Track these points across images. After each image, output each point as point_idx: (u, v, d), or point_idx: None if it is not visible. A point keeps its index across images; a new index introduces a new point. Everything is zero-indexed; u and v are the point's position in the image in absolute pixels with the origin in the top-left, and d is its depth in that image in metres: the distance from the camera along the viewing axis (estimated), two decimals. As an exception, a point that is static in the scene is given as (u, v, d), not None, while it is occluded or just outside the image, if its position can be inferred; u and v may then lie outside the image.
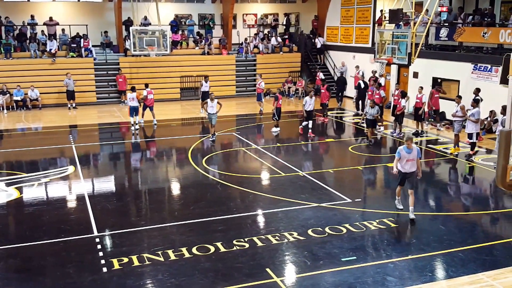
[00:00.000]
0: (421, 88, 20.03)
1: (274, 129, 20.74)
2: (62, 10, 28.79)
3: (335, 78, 30.32)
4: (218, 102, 18.76)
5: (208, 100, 18.94)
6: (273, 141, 19.21)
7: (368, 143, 18.49)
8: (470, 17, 22.17)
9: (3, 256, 9.94)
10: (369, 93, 22.04)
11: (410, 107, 21.48)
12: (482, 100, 18.28)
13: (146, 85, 22.09)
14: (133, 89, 21.49)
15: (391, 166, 15.87)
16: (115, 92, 27.78)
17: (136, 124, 21.24)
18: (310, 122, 19.84)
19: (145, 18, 28.55)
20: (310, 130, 19.78)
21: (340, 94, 27.47)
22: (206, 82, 24.43)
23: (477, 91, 18.59)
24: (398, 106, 19.71)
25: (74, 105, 25.97)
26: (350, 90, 28.83)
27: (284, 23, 33.16)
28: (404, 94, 19.96)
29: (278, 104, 20.54)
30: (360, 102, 24.44)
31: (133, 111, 21.08)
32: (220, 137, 20.06)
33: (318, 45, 31.70)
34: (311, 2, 33.05)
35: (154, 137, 20.63)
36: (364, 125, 19.93)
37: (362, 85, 26.95)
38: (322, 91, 22.33)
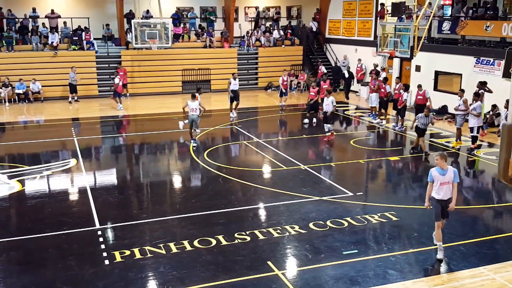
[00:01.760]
0: (420, 86, 19.60)
1: (306, 120, 21.13)
2: (64, 2, 28.73)
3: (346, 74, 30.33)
4: (200, 104, 17.10)
5: (188, 100, 17.01)
6: (274, 135, 19.19)
7: (425, 154, 16.16)
8: (472, 10, 22.07)
9: (5, 248, 9.98)
10: (371, 86, 21.95)
11: (412, 101, 21.40)
12: (491, 91, 18.29)
13: (117, 72, 23.74)
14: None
15: (392, 160, 15.95)
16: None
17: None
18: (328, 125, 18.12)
19: (147, 11, 28.47)
20: (329, 133, 18.10)
21: (336, 85, 28.08)
22: (234, 79, 22.23)
23: (481, 84, 18.53)
24: (400, 99, 19.65)
25: (76, 98, 25.86)
26: (354, 85, 28.81)
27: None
28: (407, 87, 19.90)
29: (311, 96, 20.65)
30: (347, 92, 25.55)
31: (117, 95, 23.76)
32: (221, 131, 20.07)
33: (314, 29, 31.74)
34: (313, -5, 32.96)
35: (156, 130, 20.62)
36: (408, 131, 18.58)
37: (347, 75, 27.28)
38: (325, 86, 22.21)
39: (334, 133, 18.33)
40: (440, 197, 9.26)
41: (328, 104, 17.86)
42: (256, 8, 32.73)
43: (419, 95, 19.18)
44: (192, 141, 17.15)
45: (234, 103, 21.99)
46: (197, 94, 17.34)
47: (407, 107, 19.92)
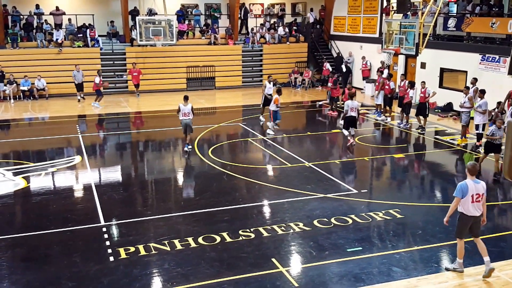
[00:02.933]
0: (424, 83, 19.53)
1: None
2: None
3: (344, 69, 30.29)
4: (192, 109, 16.05)
5: (181, 104, 15.96)
6: (279, 132, 19.17)
7: (498, 177, 13.71)
8: (478, 7, 21.97)
9: (10, 245, 10.01)
10: (377, 84, 21.90)
11: (417, 99, 21.33)
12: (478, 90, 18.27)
13: (98, 72, 23.62)
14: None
15: (397, 157, 15.92)
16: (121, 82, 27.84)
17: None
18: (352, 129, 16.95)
19: (151, 10, 28.45)
20: (351, 139, 16.83)
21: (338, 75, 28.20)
22: (269, 82, 20.32)
23: (475, 80, 18.53)
24: (406, 96, 19.57)
25: (82, 95, 25.51)
26: (359, 82, 28.76)
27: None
28: (412, 85, 19.82)
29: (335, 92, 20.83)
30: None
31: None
32: (226, 128, 20.07)
33: (311, 20, 31.78)
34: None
35: (161, 127, 20.64)
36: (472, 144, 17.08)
37: (344, 69, 27.32)
38: (329, 84, 22.05)
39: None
40: (471, 214, 8.47)
41: (354, 108, 16.62)
42: (262, 5, 32.67)
43: (421, 93, 19.11)
44: (186, 145, 16.33)
45: (267, 107, 19.91)
46: (188, 98, 16.13)
47: (412, 105, 19.82)
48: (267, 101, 19.71)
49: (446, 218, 8.70)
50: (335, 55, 31.01)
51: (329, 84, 23.09)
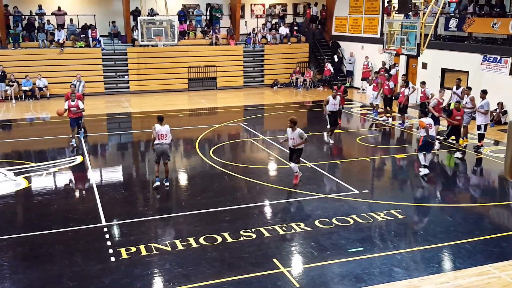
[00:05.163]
0: (423, 83, 19.52)
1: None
2: (70, 0, 28.80)
3: (345, 69, 30.29)
4: (169, 132, 12.99)
5: (156, 125, 12.83)
6: (280, 132, 19.14)
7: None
8: (484, 7, 21.94)
9: (12, 244, 10.02)
10: (374, 84, 21.83)
11: (418, 99, 21.30)
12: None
13: (73, 95, 16.80)
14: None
15: (398, 157, 15.91)
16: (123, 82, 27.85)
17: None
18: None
19: (152, 9, 28.48)
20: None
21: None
22: (334, 98, 17.25)
23: (459, 81, 18.58)
24: (401, 95, 19.51)
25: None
26: (359, 82, 28.76)
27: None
28: (407, 83, 19.79)
29: (386, 91, 20.46)
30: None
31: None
32: (227, 128, 20.07)
33: (313, 12, 31.83)
34: (320, -8, 32.89)
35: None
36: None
37: (336, 59, 27.40)
38: (339, 93, 21.59)
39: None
40: None
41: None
42: (263, 5, 32.67)
43: (422, 93, 19.12)
44: (164, 181, 13.01)
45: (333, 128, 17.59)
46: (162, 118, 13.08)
47: (408, 104, 19.78)
48: (331, 118, 17.33)
49: None
50: (336, 59, 31.02)
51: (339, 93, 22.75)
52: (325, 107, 17.31)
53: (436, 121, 18.38)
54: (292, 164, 13.15)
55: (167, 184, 13.03)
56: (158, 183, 12.93)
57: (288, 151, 13.43)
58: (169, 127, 12.97)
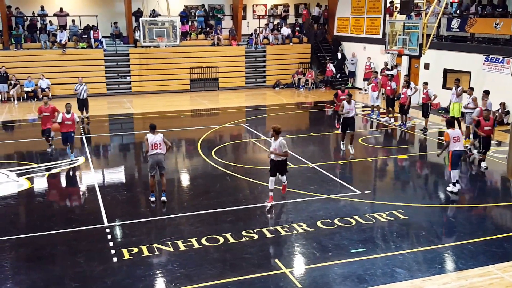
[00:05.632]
0: (426, 84, 19.47)
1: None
2: (72, 1, 28.80)
3: (347, 70, 30.26)
4: (164, 139, 11.95)
5: (148, 134, 11.95)
6: (282, 133, 19.13)
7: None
8: (480, 7, 21.92)
9: (14, 245, 10.04)
10: (373, 84, 21.74)
11: (419, 100, 21.26)
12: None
13: (68, 107, 16.19)
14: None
15: (400, 158, 15.88)
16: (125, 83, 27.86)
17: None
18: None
19: (154, 10, 28.50)
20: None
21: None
22: (349, 102, 16.06)
23: (458, 81, 18.54)
24: (403, 96, 19.47)
25: (87, 116, 21.11)
26: (361, 83, 28.73)
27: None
28: (409, 84, 19.76)
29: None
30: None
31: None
32: (229, 129, 20.07)
33: (315, 13, 31.89)
34: (322, -7, 32.88)
35: (164, 128, 20.64)
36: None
37: (339, 56, 27.42)
38: (342, 97, 21.36)
39: None
40: None
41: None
42: (265, 6, 32.67)
43: (424, 94, 19.09)
44: (162, 195, 12.12)
45: (348, 134, 16.33)
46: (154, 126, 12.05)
47: (410, 105, 19.76)
48: (345, 123, 16.31)
49: None
50: (340, 56, 30.99)
51: (342, 97, 22.61)
52: (341, 113, 16.22)
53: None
54: (281, 177, 12.04)
55: (163, 198, 12.01)
56: (153, 198, 12.07)
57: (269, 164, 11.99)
58: (163, 136, 11.93)
